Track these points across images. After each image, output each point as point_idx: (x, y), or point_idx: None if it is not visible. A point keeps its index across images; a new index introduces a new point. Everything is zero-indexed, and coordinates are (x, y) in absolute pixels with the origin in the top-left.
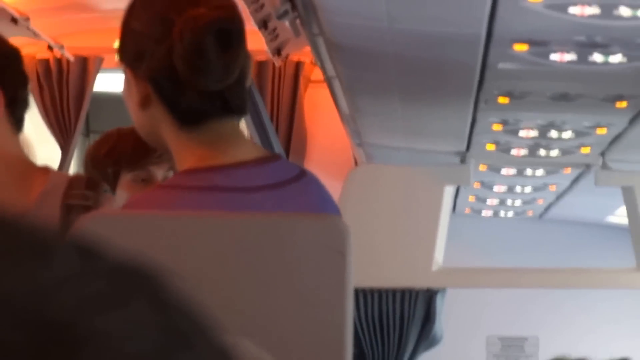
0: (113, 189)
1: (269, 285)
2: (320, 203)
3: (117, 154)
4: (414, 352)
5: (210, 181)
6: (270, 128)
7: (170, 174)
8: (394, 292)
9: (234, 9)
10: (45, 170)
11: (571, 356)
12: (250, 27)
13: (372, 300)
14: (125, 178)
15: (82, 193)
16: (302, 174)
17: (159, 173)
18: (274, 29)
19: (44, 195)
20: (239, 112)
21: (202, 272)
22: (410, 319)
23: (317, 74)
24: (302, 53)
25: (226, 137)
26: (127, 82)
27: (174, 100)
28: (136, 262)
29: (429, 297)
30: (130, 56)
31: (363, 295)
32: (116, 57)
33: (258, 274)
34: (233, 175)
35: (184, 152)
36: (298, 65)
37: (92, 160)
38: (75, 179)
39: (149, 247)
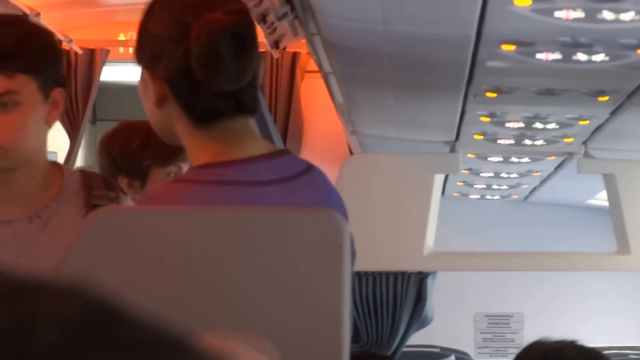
0: (143, 181)
1: (267, 278)
2: (325, 196)
3: (152, 148)
4: (406, 332)
5: (221, 175)
6: (268, 117)
7: None
8: (387, 275)
9: (247, 14)
10: (59, 166)
11: (554, 337)
12: None
13: (366, 283)
14: (157, 172)
15: (105, 194)
16: (309, 169)
17: (187, 169)
18: (272, 23)
19: (62, 191)
20: (251, 112)
21: (200, 265)
22: (402, 301)
23: (312, 64)
24: (299, 44)
25: (238, 135)
26: (143, 82)
27: (190, 100)
28: None
29: (421, 280)
30: (148, 57)
31: (358, 278)
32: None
33: (256, 267)
34: (243, 169)
35: (198, 148)
36: (294, 57)
37: (121, 152)
38: (92, 178)
39: (154, 243)
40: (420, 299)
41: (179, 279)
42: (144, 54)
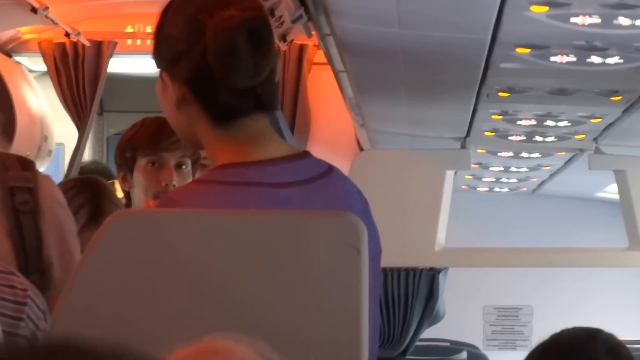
0: (131, 172)
1: (285, 282)
2: (347, 198)
3: (135, 140)
4: (418, 328)
5: (243, 176)
6: (278, 111)
7: (185, 161)
8: (398, 271)
9: (262, 10)
10: None
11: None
12: None
13: None
14: (140, 163)
15: (22, 175)
16: (330, 171)
17: (172, 159)
18: (280, 17)
19: None
20: (271, 107)
21: (216, 268)
22: (414, 297)
23: (320, 56)
24: (305, 36)
25: (258, 135)
26: (162, 85)
27: (209, 98)
28: None
29: (432, 276)
30: (166, 59)
31: None
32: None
33: (274, 271)
34: (264, 171)
35: (218, 149)
36: (302, 49)
37: (116, 146)
38: (6, 159)
39: (171, 245)
40: (432, 295)
41: (195, 282)
42: (162, 57)
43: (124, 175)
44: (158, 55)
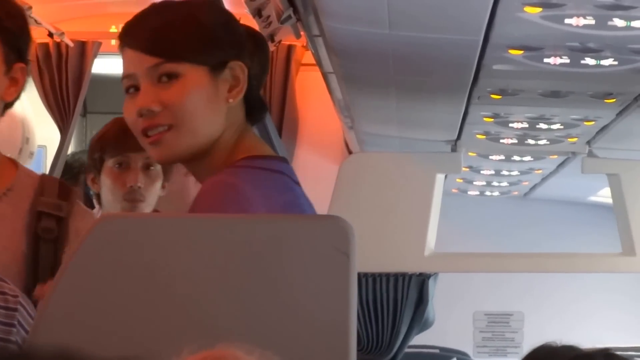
0: (99, 173)
1: (272, 288)
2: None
3: (103, 141)
4: (407, 335)
5: (271, 165)
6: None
7: (153, 161)
8: (387, 276)
9: None
10: (14, 164)
11: (559, 341)
12: (242, 12)
13: (366, 285)
14: (108, 164)
15: (54, 202)
16: None
17: (140, 160)
18: (268, 17)
19: (8, 192)
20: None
21: (204, 274)
22: (403, 303)
23: (308, 57)
24: (293, 37)
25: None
26: (203, 87)
27: (250, 90)
28: None
29: (422, 282)
30: (229, 48)
31: (357, 280)
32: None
33: (260, 276)
34: (281, 165)
35: (240, 143)
36: (290, 49)
37: (88, 147)
38: (47, 183)
39: (157, 251)
40: (421, 301)
41: (180, 288)
42: (231, 45)
43: (93, 177)
44: (213, 48)
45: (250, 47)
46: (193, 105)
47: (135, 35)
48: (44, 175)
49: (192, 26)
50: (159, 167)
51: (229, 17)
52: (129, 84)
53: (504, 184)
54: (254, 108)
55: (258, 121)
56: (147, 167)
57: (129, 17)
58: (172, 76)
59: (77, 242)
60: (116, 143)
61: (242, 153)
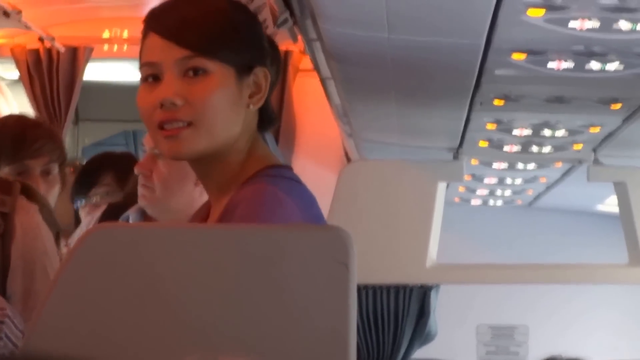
0: None
1: (269, 299)
2: None
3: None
4: (409, 348)
5: (294, 176)
6: None
7: (52, 167)
8: (388, 288)
9: None
10: None
11: (565, 355)
12: None
13: (366, 297)
14: (3, 172)
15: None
16: None
17: (37, 167)
18: (264, 20)
19: None
20: None
21: (200, 285)
22: (404, 315)
23: (305, 62)
24: (291, 42)
25: None
26: (229, 88)
27: (265, 108)
28: None
29: (423, 293)
30: (257, 50)
31: (357, 292)
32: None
33: (258, 287)
34: (294, 174)
35: (254, 153)
36: (287, 54)
37: None
38: None
39: (151, 262)
40: (423, 313)
41: (177, 299)
42: (257, 50)
43: None
44: (240, 49)
45: (270, 53)
46: (217, 105)
47: (166, 22)
48: None
49: (226, 23)
50: (56, 172)
51: (256, 19)
52: (149, 72)
53: (508, 192)
54: (265, 117)
55: (265, 131)
56: (46, 173)
57: (123, 22)
58: (199, 71)
59: (68, 252)
60: (12, 150)
61: (258, 161)
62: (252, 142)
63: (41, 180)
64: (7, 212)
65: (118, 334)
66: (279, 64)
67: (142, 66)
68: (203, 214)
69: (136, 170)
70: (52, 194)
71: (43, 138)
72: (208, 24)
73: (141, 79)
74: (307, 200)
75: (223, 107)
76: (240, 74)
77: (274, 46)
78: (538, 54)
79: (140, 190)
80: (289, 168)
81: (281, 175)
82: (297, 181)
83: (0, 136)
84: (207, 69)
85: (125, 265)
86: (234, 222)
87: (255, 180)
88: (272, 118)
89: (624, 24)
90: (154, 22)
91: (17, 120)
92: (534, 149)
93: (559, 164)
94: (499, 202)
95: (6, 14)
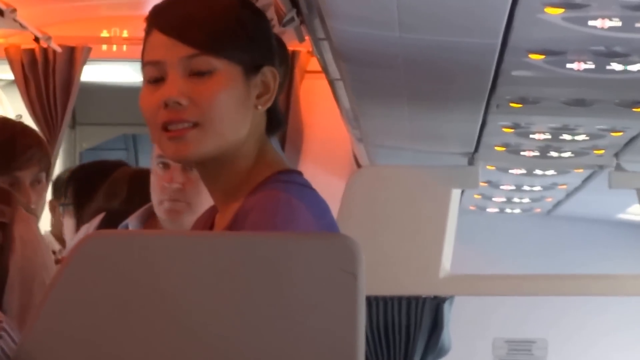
0: None
1: (273, 310)
2: None
3: None
4: None
5: (307, 182)
6: None
7: (41, 175)
8: (399, 300)
9: None
10: None
11: None
12: None
13: (377, 309)
14: None
15: None
16: None
17: (27, 178)
18: (271, 20)
19: None
20: None
21: (200, 296)
22: (416, 328)
23: (313, 64)
24: (298, 42)
25: None
26: (236, 88)
27: (273, 110)
28: None
29: (436, 305)
30: (265, 50)
31: (367, 304)
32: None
33: (261, 298)
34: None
35: (262, 157)
36: (294, 55)
37: None
38: None
39: (150, 271)
40: (436, 326)
41: (179, 310)
42: (267, 48)
43: None
44: (248, 48)
45: (278, 53)
46: (223, 106)
47: (170, 19)
48: None
49: (233, 20)
50: (44, 180)
51: (264, 16)
52: (153, 72)
53: (526, 200)
54: (273, 120)
55: (273, 134)
56: (37, 182)
57: (122, 21)
58: (205, 70)
59: (64, 260)
60: (1, 161)
61: (268, 166)
62: (260, 146)
63: (31, 190)
64: (6, 222)
65: (115, 345)
66: (287, 63)
67: (145, 65)
68: (206, 221)
69: (167, 185)
70: (42, 203)
71: (33, 146)
72: (214, 20)
73: (144, 78)
74: (321, 209)
75: (230, 107)
76: (248, 73)
77: (282, 45)
78: (556, 55)
79: (172, 206)
80: (299, 173)
81: (293, 181)
82: (309, 188)
83: None
84: (213, 67)
85: (125, 274)
86: (246, 231)
87: (267, 187)
88: (280, 120)
89: None
90: (158, 19)
91: (2, 127)
92: (553, 154)
93: (580, 170)
94: (516, 210)
95: (0, 12)
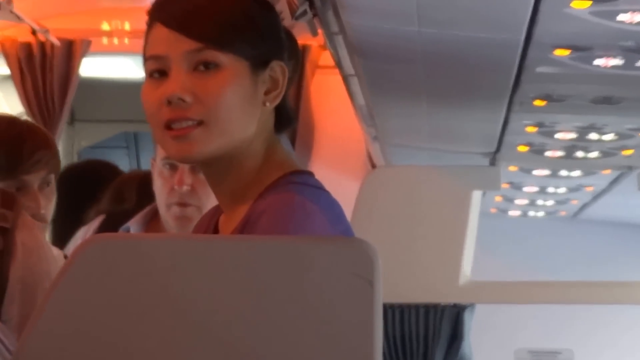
0: None
1: (284, 320)
2: None
3: None
4: None
5: (319, 183)
6: None
7: (50, 178)
8: (417, 308)
9: None
10: None
11: None
12: None
13: (393, 318)
14: None
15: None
16: None
17: (35, 181)
18: (280, 13)
19: None
20: None
21: (207, 303)
22: (435, 338)
23: (325, 58)
24: (309, 36)
25: None
26: (243, 84)
27: (282, 106)
28: None
29: (456, 314)
30: (275, 43)
31: (383, 312)
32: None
33: (271, 305)
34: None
35: (270, 157)
36: (304, 49)
37: None
38: None
39: (154, 276)
40: (456, 336)
41: (181, 319)
42: (277, 42)
43: None
44: (257, 40)
45: (288, 47)
46: (230, 103)
47: (173, 12)
48: None
49: (240, 12)
50: (53, 182)
51: (273, 9)
52: (155, 67)
53: (550, 202)
54: (282, 117)
55: (283, 132)
56: (45, 185)
57: (124, 13)
58: (210, 65)
59: (64, 265)
60: (8, 165)
61: (278, 166)
62: (269, 145)
63: (39, 194)
64: (8, 227)
65: (116, 352)
66: (297, 58)
67: (147, 60)
68: (209, 224)
69: (177, 188)
70: (50, 207)
71: (41, 148)
72: (220, 13)
73: (146, 74)
74: (336, 213)
75: (237, 104)
76: (256, 68)
77: (291, 39)
78: (583, 50)
79: (182, 212)
80: (311, 174)
81: (305, 182)
82: (323, 189)
83: None
84: (219, 62)
85: (128, 279)
86: (257, 235)
87: (279, 189)
88: (290, 118)
89: None
90: (160, 11)
91: (9, 125)
92: (579, 154)
93: (607, 172)
94: (540, 213)
95: None
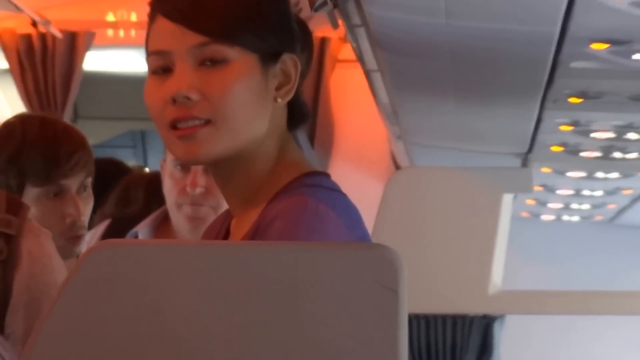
0: None
1: (303, 330)
2: None
3: (22, 163)
4: None
5: (336, 185)
6: None
7: (88, 181)
8: (444, 318)
9: None
10: None
11: None
12: None
13: (418, 328)
14: (31, 193)
15: (3, 217)
16: None
17: (74, 185)
18: (297, 3)
19: None
20: None
21: (221, 310)
22: (463, 351)
23: (345, 51)
24: (329, 28)
25: None
26: (253, 79)
27: (295, 101)
28: None
29: (486, 325)
30: (287, 36)
31: (408, 323)
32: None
33: (290, 316)
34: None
35: (283, 159)
36: (323, 42)
37: None
38: None
39: (164, 283)
40: (485, 348)
41: (191, 328)
42: (274, 34)
43: None
44: (277, 31)
45: (300, 38)
46: (238, 99)
47: (177, 3)
48: None
49: (248, 3)
50: (90, 186)
51: None
52: (159, 63)
53: (586, 206)
54: (295, 114)
55: (296, 130)
56: (83, 190)
57: (129, 3)
58: (217, 60)
59: (69, 273)
60: (45, 169)
61: (291, 167)
62: (281, 144)
63: (78, 198)
64: (13, 234)
65: None
66: (310, 50)
67: (150, 55)
68: (220, 229)
69: (190, 190)
70: (88, 213)
71: (78, 150)
72: (226, 4)
73: (148, 70)
74: (353, 218)
75: (246, 101)
76: (266, 62)
77: (305, 29)
78: (621, 44)
79: (195, 212)
80: (327, 175)
81: (320, 184)
82: (339, 192)
83: (27, 150)
84: (226, 57)
85: (135, 286)
86: (269, 241)
87: (292, 192)
88: (304, 114)
89: None
90: (163, 3)
91: (41, 127)
92: (617, 155)
93: None
94: (575, 218)
95: None
